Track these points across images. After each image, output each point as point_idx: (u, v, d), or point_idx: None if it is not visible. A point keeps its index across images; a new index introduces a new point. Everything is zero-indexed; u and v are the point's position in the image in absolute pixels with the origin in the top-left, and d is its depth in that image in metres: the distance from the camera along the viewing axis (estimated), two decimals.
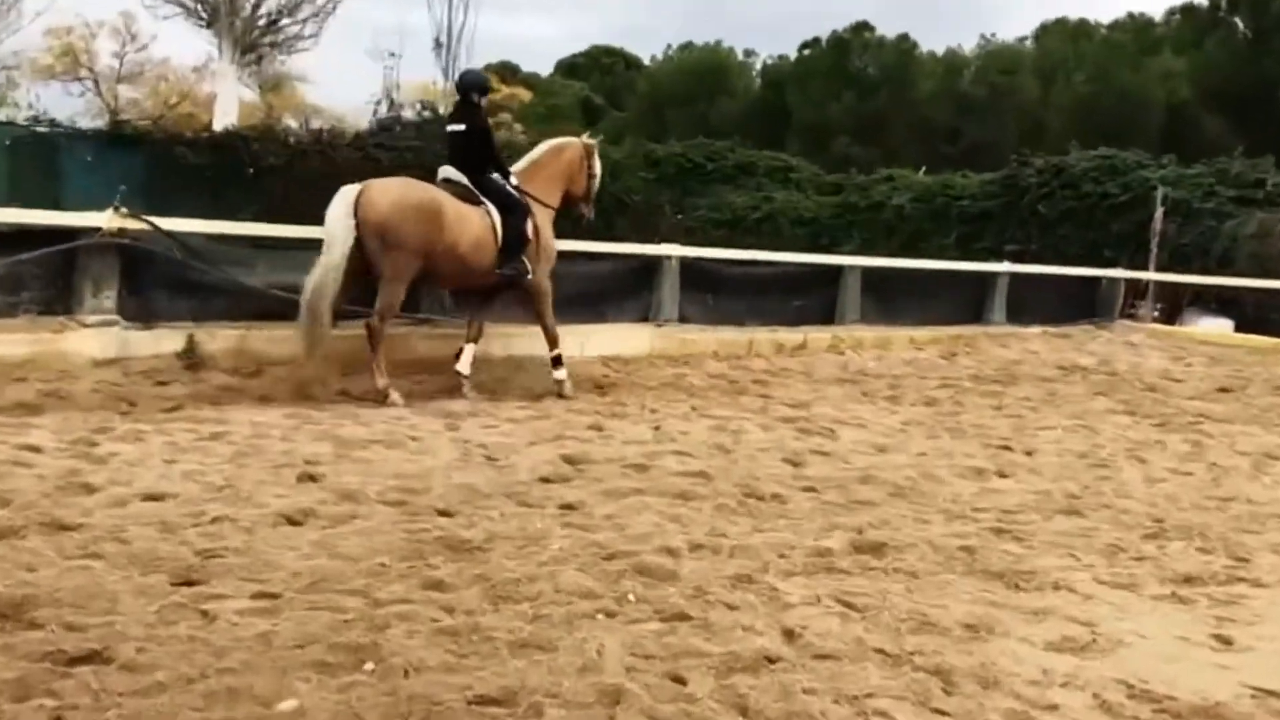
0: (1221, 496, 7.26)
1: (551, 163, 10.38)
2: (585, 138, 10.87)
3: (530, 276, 9.79)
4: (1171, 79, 48.38)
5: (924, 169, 30.23)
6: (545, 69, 72.39)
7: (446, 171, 9.86)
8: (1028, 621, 4.68)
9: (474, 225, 9.49)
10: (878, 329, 14.60)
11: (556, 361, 10.03)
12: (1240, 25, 36.57)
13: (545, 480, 6.58)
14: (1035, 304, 17.12)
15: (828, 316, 14.70)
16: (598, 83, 70.12)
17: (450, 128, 10.05)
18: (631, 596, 4.63)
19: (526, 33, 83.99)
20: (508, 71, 60.85)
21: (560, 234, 10.60)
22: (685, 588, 4.78)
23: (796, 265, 15.04)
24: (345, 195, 9.15)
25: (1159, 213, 20.72)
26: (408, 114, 22.44)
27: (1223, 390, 12.56)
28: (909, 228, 25.52)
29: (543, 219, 10.05)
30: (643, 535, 5.51)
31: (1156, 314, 19.76)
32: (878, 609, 4.66)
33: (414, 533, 5.34)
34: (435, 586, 4.64)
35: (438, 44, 26.37)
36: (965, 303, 16.53)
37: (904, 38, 56.55)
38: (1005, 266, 17.41)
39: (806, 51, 57.77)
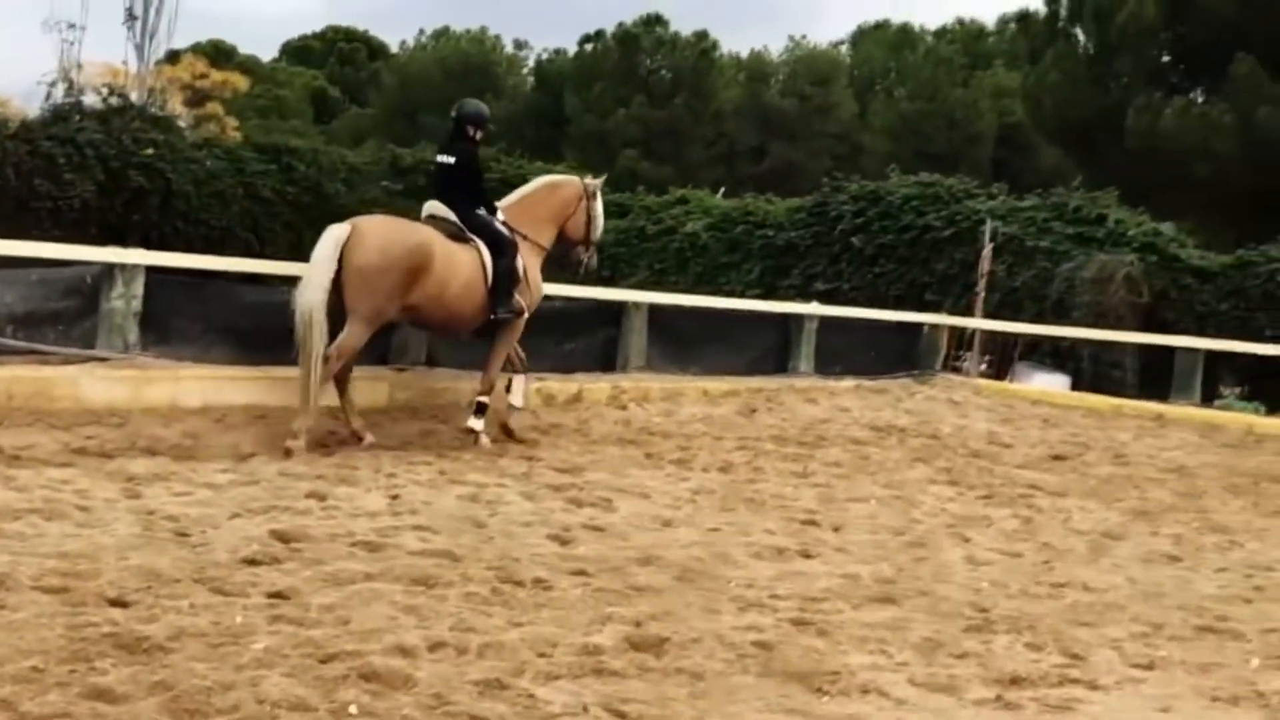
0: (1054, 582, 7.58)
1: (545, 200, 11.57)
2: (588, 178, 12.09)
3: (525, 314, 11.09)
4: (1004, 98, 51.07)
5: (723, 190, 30.92)
6: (269, 52, 71.42)
7: (432, 207, 10.99)
8: None
9: (464, 267, 10.59)
10: (666, 379, 14.81)
11: (479, 409, 11.02)
12: (1082, 39, 38.76)
13: (250, 562, 6.38)
14: (848, 353, 17.67)
15: (607, 363, 14.83)
16: (334, 72, 69.54)
17: (439, 159, 11.18)
18: (353, 708, 4.52)
19: (246, 7, 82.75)
20: (220, 54, 59.68)
21: (274, 254, 10.55)
22: (422, 696, 4.68)
23: (571, 301, 15.12)
24: (333, 235, 10.21)
25: (987, 250, 21.71)
26: (90, 100, 21.67)
27: (1057, 458, 13.18)
28: (705, 259, 26.03)
29: (531, 258, 11.19)
30: (371, 631, 5.39)
31: (984, 367, 20.69)
32: (656, 719, 4.66)
33: (77, 628, 5.10)
34: (102, 696, 4.43)
35: (130, 16, 25.52)
36: (768, 349, 16.93)
37: (702, 35, 58.06)
38: (814, 308, 17.94)
39: (588, 46, 58.62)
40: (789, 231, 25.25)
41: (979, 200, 23.84)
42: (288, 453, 9.55)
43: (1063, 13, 39.32)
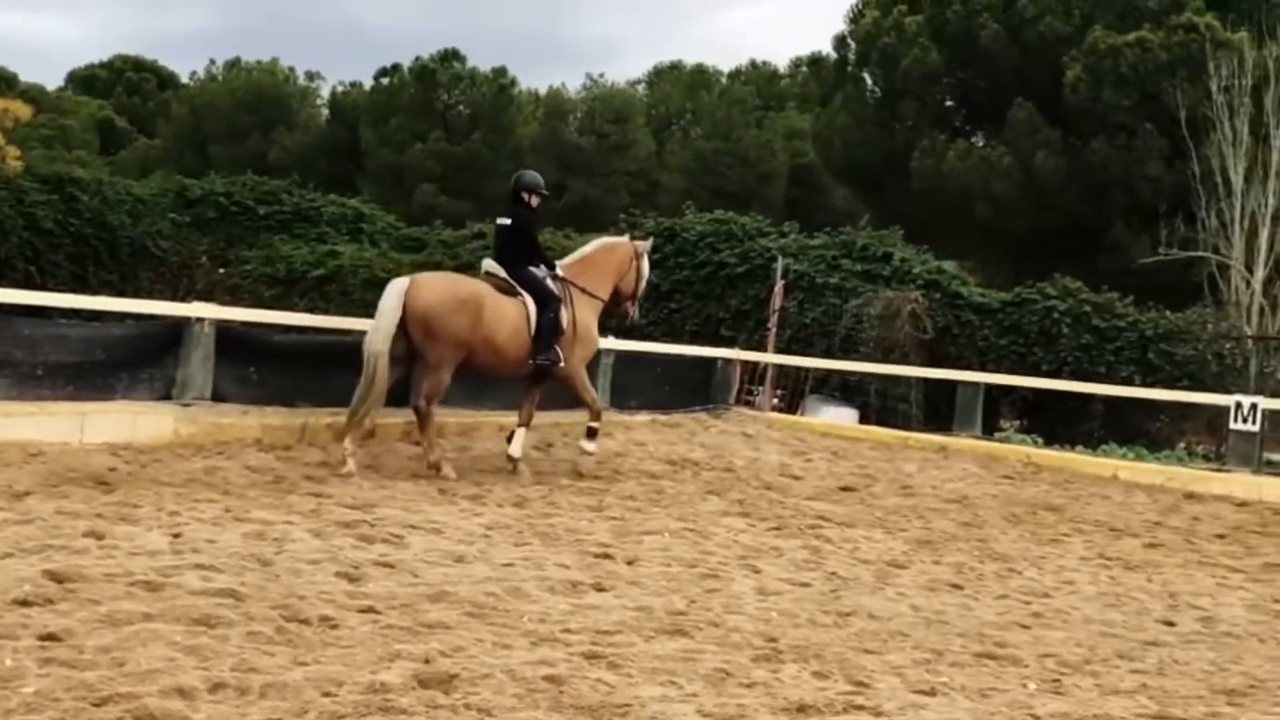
0: (841, 611, 7.72)
1: (603, 259, 13.13)
2: (638, 241, 13.74)
3: (561, 364, 12.34)
4: (797, 139, 52.26)
5: None
6: (55, 81, 69.20)
7: (489, 265, 12.57)
8: None
9: (510, 317, 12.07)
10: (461, 413, 14.68)
11: (591, 433, 12.79)
12: (870, 83, 39.90)
13: (21, 604, 6.10)
14: (644, 387, 17.79)
15: (401, 397, 14.62)
16: (122, 102, 67.78)
17: (499, 221, 12.84)
18: None
19: (30, 32, 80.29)
20: (2, 82, 57.65)
21: (56, 286, 10.17)
22: None
23: (364, 334, 14.87)
24: (396, 287, 11.84)
25: (778, 286, 22.13)
26: None
27: (845, 489, 13.47)
28: None
29: (587, 310, 12.75)
30: (148, 673, 5.20)
31: (776, 401, 21.04)
32: None
33: None
34: None
35: None
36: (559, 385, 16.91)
37: (500, 72, 58.15)
38: (610, 343, 18.02)
39: (384, 80, 58.14)
40: None
41: (771, 238, 24.31)
42: (347, 475, 11.09)
43: (852, 57, 40.46)
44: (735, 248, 24.07)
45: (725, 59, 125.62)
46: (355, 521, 9.09)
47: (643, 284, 13.54)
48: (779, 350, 21.63)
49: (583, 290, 12.76)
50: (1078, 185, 33.82)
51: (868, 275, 22.93)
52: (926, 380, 20.77)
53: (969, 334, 22.16)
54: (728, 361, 20.32)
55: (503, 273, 12.36)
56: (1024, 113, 34.74)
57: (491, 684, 5.51)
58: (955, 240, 34.47)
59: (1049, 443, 18.80)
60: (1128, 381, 20.38)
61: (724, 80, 62.59)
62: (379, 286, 26.34)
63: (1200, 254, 27.53)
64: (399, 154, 53.84)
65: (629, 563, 8.65)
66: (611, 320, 15.00)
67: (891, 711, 5.75)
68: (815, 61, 50.74)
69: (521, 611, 6.92)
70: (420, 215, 40.02)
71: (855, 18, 40.38)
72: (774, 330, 22.02)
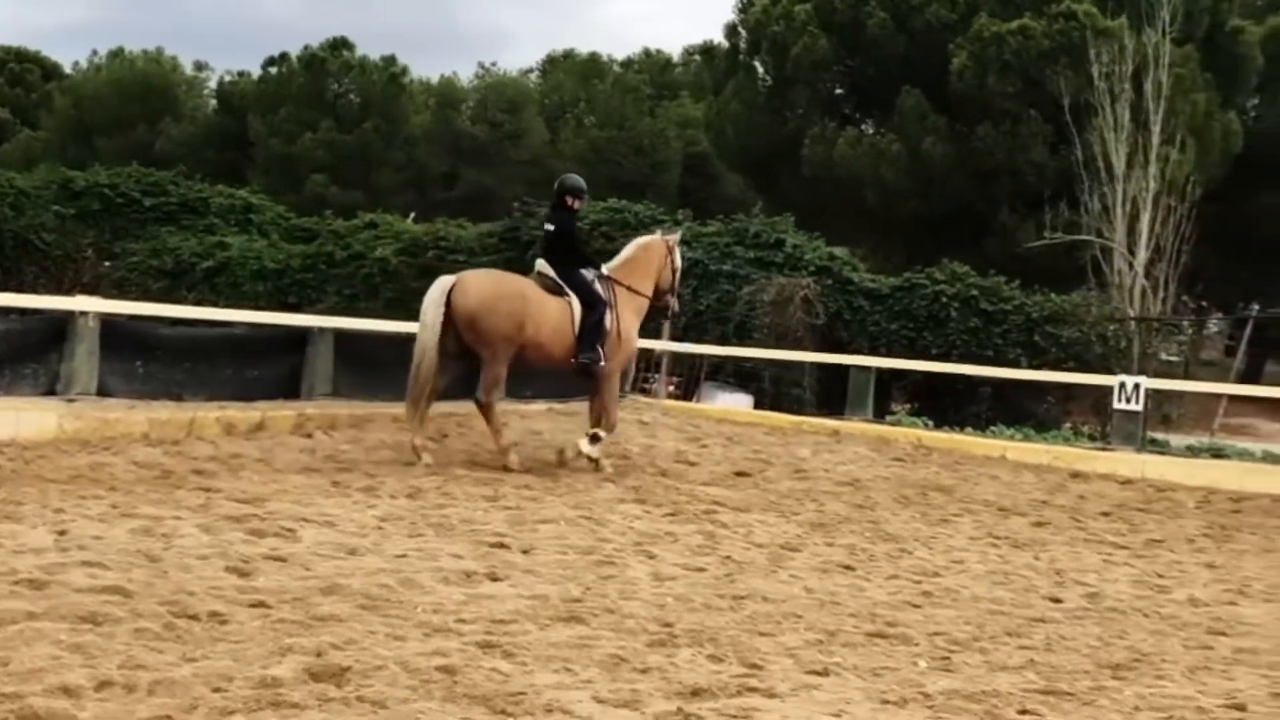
0: (735, 595, 7.77)
1: (643, 258, 13.66)
2: (669, 235, 14.19)
3: (602, 364, 12.84)
4: (690, 127, 52.38)
5: (414, 215, 30.74)
6: None
7: (540, 265, 13.13)
8: None
9: (554, 314, 12.65)
10: (355, 405, 14.55)
11: (594, 438, 12.98)
12: (761, 71, 40.03)
13: None
14: (538, 376, 17.71)
15: (292, 390, 14.47)
16: (4, 93, 66.25)
17: (546, 226, 13.42)
18: None
19: None
20: None
21: None
22: None
23: (254, 327, 14.72)
24: (441, 284, 12.50)
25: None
26: None
27: (740, 474, 13.55)
28: (396, 285, 25.77)
29: (630, 313, 13.32)
30: (32, 672, 5.10)
31: (672, 388, 21.10)
32: None
33: None
34: None
35: None
36: (459, 374, 16.82)
37: (391, 60, 57.54)
38: None
39: (273, 70, 57.29)
40: (480, 256, 25.25)
41: (665, 226, 24.33)
42: (426, 465, 12.01)
43: (743, 45, 40.55)
44: (630, 236, 24.06)
45: (618, 48, 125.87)
46: (245, 516, 8.97)
47: (678, 276, 14.20)
48: (674, 338, 21.66)
49: (629, 289, 13.33)
50: (965, 171, 34.20)
51: (760, 262, 23.07)
52: (819, 365, 20.96)
53: (860, 319, 22.40)
54: None
55: (553, 273, 12.94)
56: (912, 100, 35.05)
57: (384, 676, 5.47)
58: (847, 226, 34.82)
59: (939, 425, 19.05)
60: (1015, 363, 20.75)
61: (617, 69, 62.46)
62: (268, 278, 26.38)
63: (1084, 238, 28.01)
64: (288, 144, 53.06)
65: (524, 551, 8.62)
66: (654, 321, 15.72)
67: (785, 693, 5.80)
68: (707, 50, 50.75)
69: (415, 603, 6.88)
70: (311, 205, 39.52)
71: (745, 6, 40.45)
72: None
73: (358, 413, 14.38)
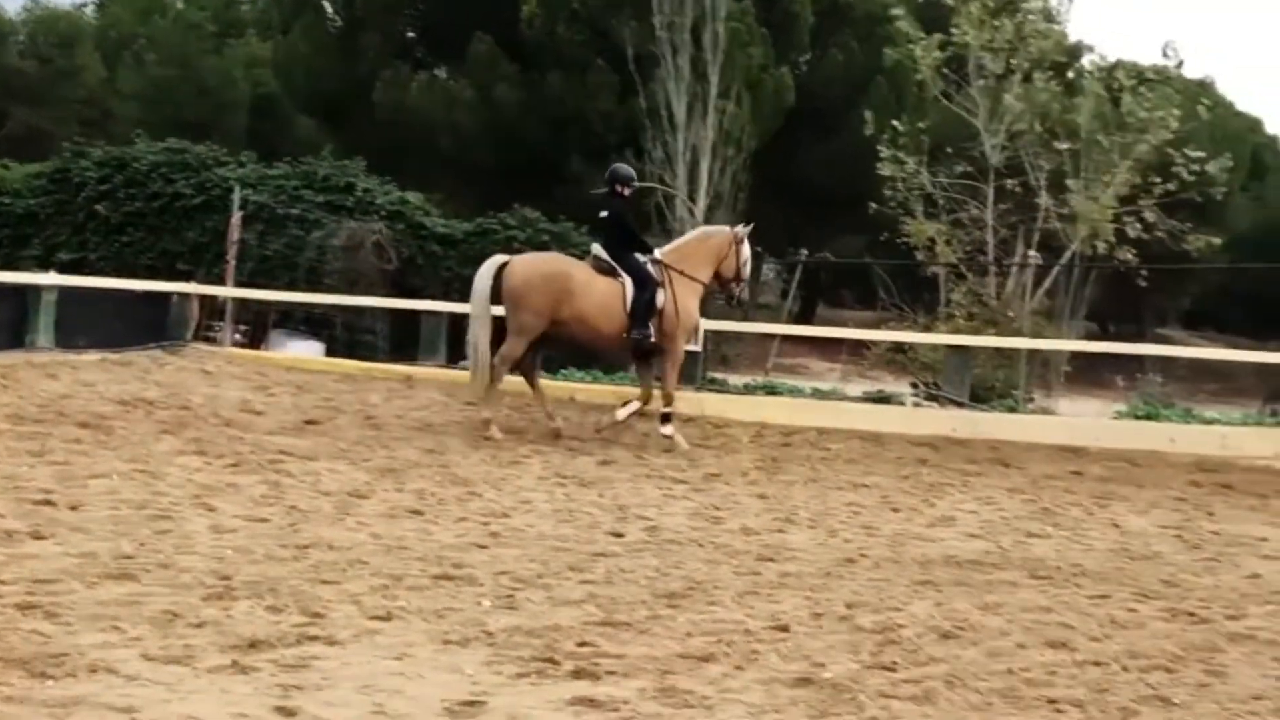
0: (299, 544, 7.61)
1: (699, 247, 14.44)
2: (737, 229, 14.66)
3: (653, 340, 13.68)
4: (258, 68, 50.73)
5: None
6: None
7: (596, 249, 14.05)
8: (54, 718, 4.49)
9: (601, 294, 13.52)
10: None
11: (665, 419, 13.71)
12: (330, 11, 39.19)
13: None
14: (92, 325, 16.95)
15: None
16: None
17: (600, 214, 14.23)
18: None
19: None
20: None
21: None
22: None
23: None
24: (492, 263, 13.64)
25: (236, 218, 21.47)
26: None
27: (309, 423, 13.27)
28: None
29: (687, 293, 13.93)
30: None
31: (238, 336, 20.51)
32: None
33: None
34: None
35: None
36: (2, 324, 15.89)
37: None
38: (53, 278, 17.01)
39: None
40: (28, 199, 23.87)
41: (229, 168, 23.64)
42: (489, 439, 12.83)
43: None
44: (191, 178, 23.24)
45: None
46: None
47: (747, 267, 14.77)
48: (240, 284, 21.02)
49: (681, 273, 13.93)
50: (537, 119, 34.55)
51: (330, 206, 22.69)
52: (392, 311, 20.81)
53: (433, 264, 22.37)
54: (184, 296, 19.58)
55: (607, 256, 13.77)
56: (484, 46, 35.08)
57: None
58: (422, 172, 34.56)
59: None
60: None
61: (180, 5, 59.72)
62: None
63: (649, 184, 28.88)
64: None
65: (72, 508, 8.15)
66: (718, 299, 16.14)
67: (346, 639, 5.73)
68: None
69: None
70: None
71: None
72: (233, 263, 21.32)
73: None
